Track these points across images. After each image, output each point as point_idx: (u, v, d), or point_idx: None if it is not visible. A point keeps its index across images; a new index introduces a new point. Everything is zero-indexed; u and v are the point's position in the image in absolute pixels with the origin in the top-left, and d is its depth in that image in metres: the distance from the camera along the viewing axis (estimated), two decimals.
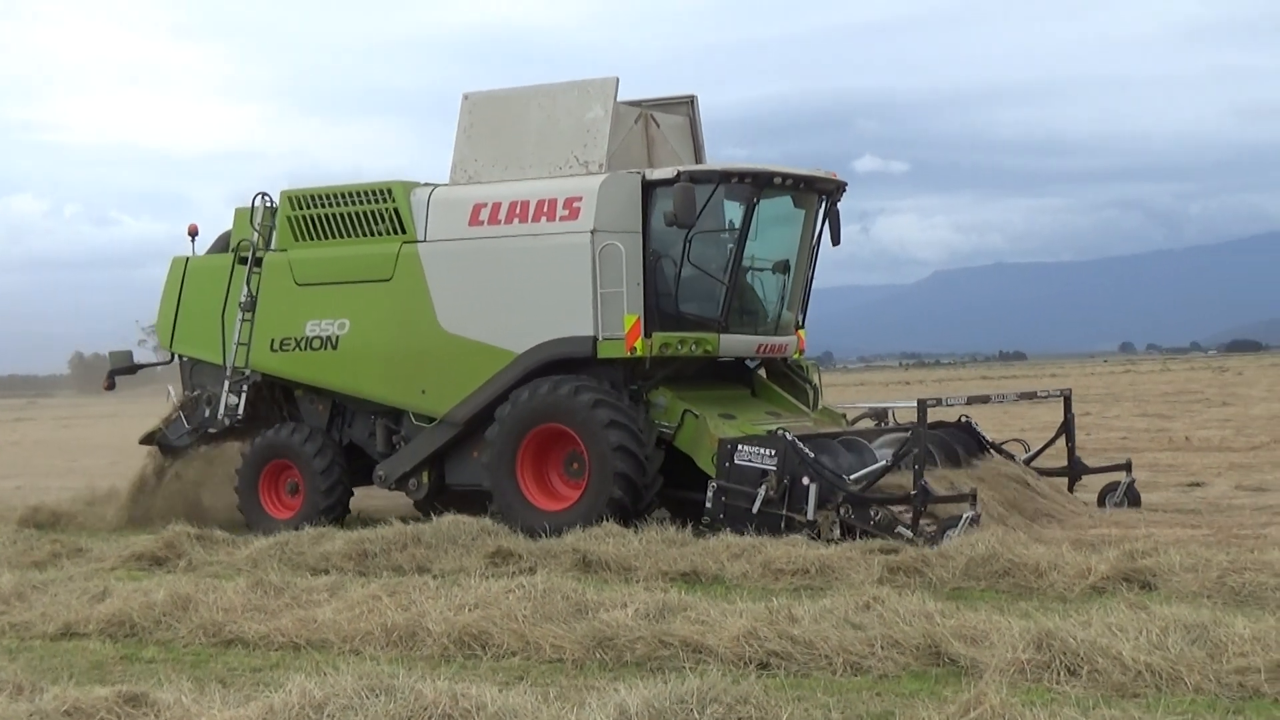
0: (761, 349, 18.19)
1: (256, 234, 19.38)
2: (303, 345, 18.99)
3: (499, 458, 17.25)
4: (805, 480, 15.30)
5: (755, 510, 15.42)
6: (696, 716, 7.61)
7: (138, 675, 10.27)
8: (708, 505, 15.89)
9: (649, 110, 18.45)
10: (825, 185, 18.06)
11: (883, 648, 9.72)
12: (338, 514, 18.64)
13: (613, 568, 14.20)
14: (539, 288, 17.45)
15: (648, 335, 16.91)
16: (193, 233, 20.41)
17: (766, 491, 15.43)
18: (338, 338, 18.78)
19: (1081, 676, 8.86)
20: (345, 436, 19.23)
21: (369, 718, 7.87)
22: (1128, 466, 17.96)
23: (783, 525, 15.22)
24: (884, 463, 15.84)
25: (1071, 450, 18.30)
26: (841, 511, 15.12)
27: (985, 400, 18.71)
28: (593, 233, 16.97)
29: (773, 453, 15.55)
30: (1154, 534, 14.62)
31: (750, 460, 15.69)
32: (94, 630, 12.03)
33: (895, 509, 15.06)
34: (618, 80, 17.63)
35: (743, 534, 14.90)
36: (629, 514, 16.40)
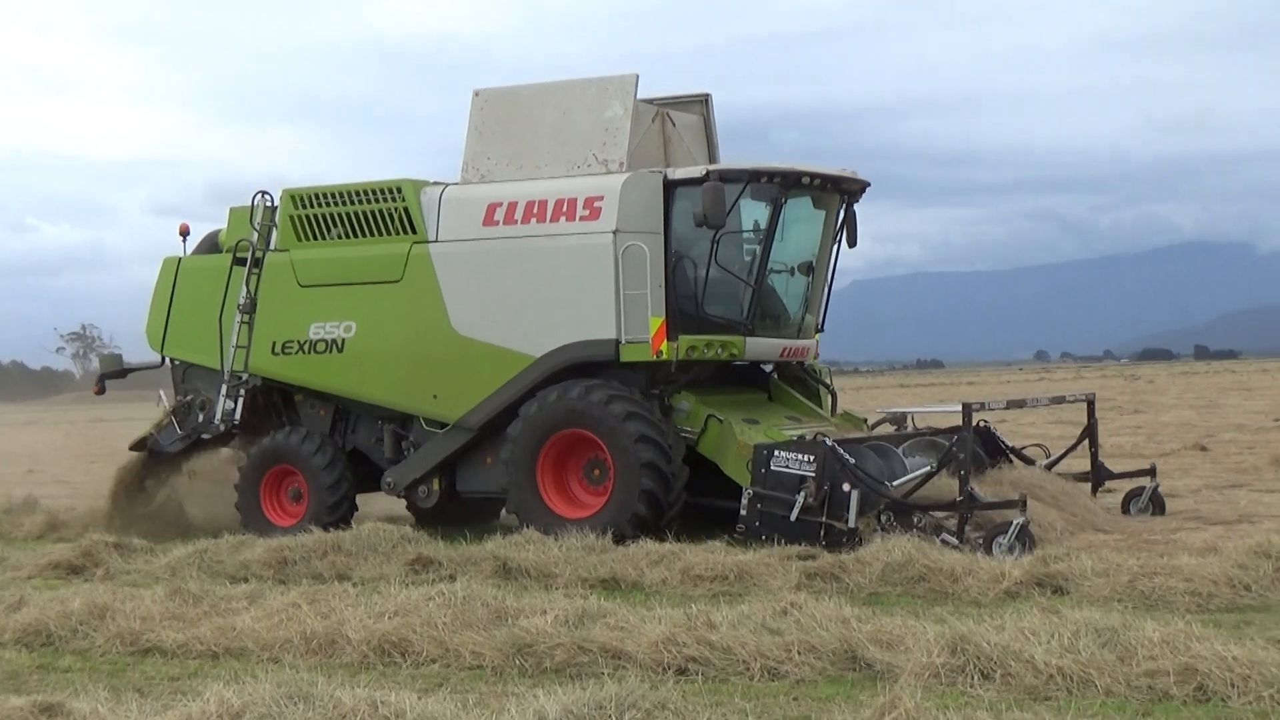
0: (785, 352, 17.68)
1: (256, 233, 18.63)
2: (306, 348, 18.20)
3: (520, 457, 16.63)
4: (846, 487, 14.71)
5: (794, 518, 14.87)
6: None
7: (54, 685, 10.15)
8: (742, 513, 15.30)
9: (665, 108, 17.90)
10: (851, 185, 17.59)
11: (800, 653, 9.74)
12: (342, 522, 17.67)
13: (533, 575, 14.14)
14: (558, 290, 16.83)
15: (673, 338, 16.37)
16: (184, 233, 19.57)
17: (805, 498, 14.85)
18: (344, 340, 18.00)
19: (995, 680, 8.91)
20: (349, 442, 18.49)
21: None
22: (1152, 472, 17.47)
23: (822, 533, 14.65)
24: (928, 468, 15.33)
25: (1095, 455, 17.85)
26: (883, 518, 14.64)
27: (1021, 404, 18.17)
28: (615, 233, 16.42)
29: (811, 458, 14.97)
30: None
31: (787, 466, 15.07)
32: (9, 640, 11.83)
33: (939, 515, 14.65)
34: (637, 77, 17.06)
35: (780, 543, 14.43)
36: (651, 529, 15.84)
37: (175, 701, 8.78)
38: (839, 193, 17.55)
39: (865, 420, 18.08)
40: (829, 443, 15.04)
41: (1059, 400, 19.29)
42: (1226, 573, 12.06)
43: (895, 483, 15.15)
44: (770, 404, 17.86)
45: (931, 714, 7.31)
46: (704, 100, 18.35)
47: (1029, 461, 17.26)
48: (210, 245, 19.55)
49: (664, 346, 16.25)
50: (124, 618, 12.00)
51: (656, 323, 16.25)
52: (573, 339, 16.68)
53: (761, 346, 17.21)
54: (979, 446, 16.58)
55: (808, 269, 17.71)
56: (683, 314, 16.52)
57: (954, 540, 14.23)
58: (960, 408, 15.21)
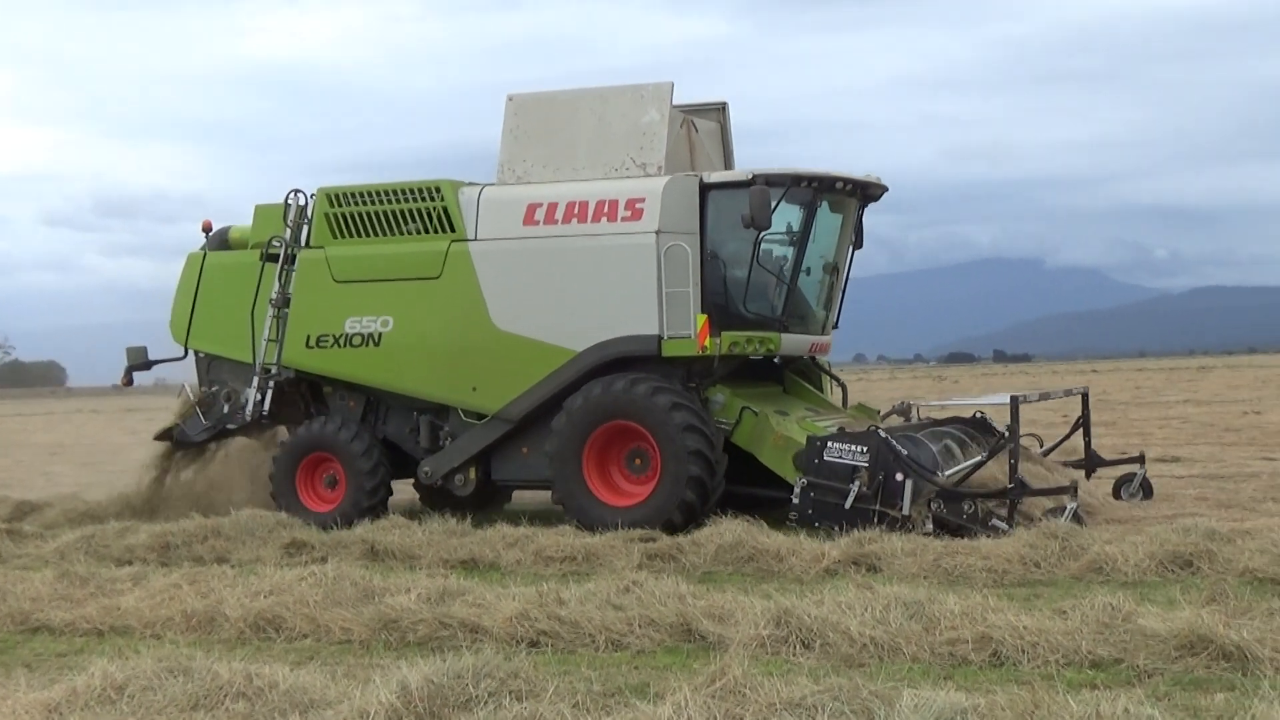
0: (812, 348, 17.24)
1: (289, 230, 17.65)
2: (341, 342, 17.23)
3: (565, 449, 15.93)
4: (899, 476, 14.22)
5: (848, 506, 14.29)
6: (472, 690, 7.55)
7: None
8: (795, 501, 14.69)
9: (689, 115, 17.28)
10: (876, 190, 17.15)
11: (640, 626, 9.77)
12: (379, 510, 16.95)
13: (398, 556, 14.03)
14: (600, 287, 16.08)
15: (715, 334, 15.75)
16: (206, 229, 18.64)
17: (859, 488, 14.30)
18: (380, 334, 17.07)
19: (815, 649, 9.00)
20: (379, 432, 17.58)
21: (168, 697, 7.68)
22: (1141, 459, 17.11)
23: (875, 520, 14.01)
24: (980, 457, 14.84)
25: (1088, 444, 17.39)
26: (933, 506, 14.11)
27: (1049, 397, 17.33)
28: (658, 233, 15.76)
29: (864, 449, 14.46)
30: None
31: (841, 457, 14.52)
32: None
33: (989, 503, 14.16)
34: (673, 85, 16.46)
35: (832, 530, 13.99)
36: (697, 515, 15.26)
37: (62, 676, 8.57)
38: (861, 197, 17.13)
39: (878, 412, 17.52)
40: (883, 434, 14.62)
41: (1069, 393, 18.07)
42: (1019, 552, 12.31)
43: (947, 473, 14.67)
44: (786, 396, 17.36)
45: (757, 680, 7.34)
46: (721, 108, 17.85)
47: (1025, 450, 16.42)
48: (220, 241, 18.64)
49: (708, 342, 15.73)
50: (14, 599, 11.75)
51: (702, 319, 15.70)
52: (615, 334, 16.03)
53: (793, 342, 16.74)
54: (981, 436, 16.26)
55: (832, 269, 17.27)
56: (723, 311, 16.02)
57: (1004, 525, 13.81)
58: (1009, 400, 14.78)
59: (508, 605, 10.25)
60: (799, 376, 17.75)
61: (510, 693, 7.57)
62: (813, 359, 17.68)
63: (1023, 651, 8.70)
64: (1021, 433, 16.15)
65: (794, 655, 8.93)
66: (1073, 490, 14.20)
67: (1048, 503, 14.45)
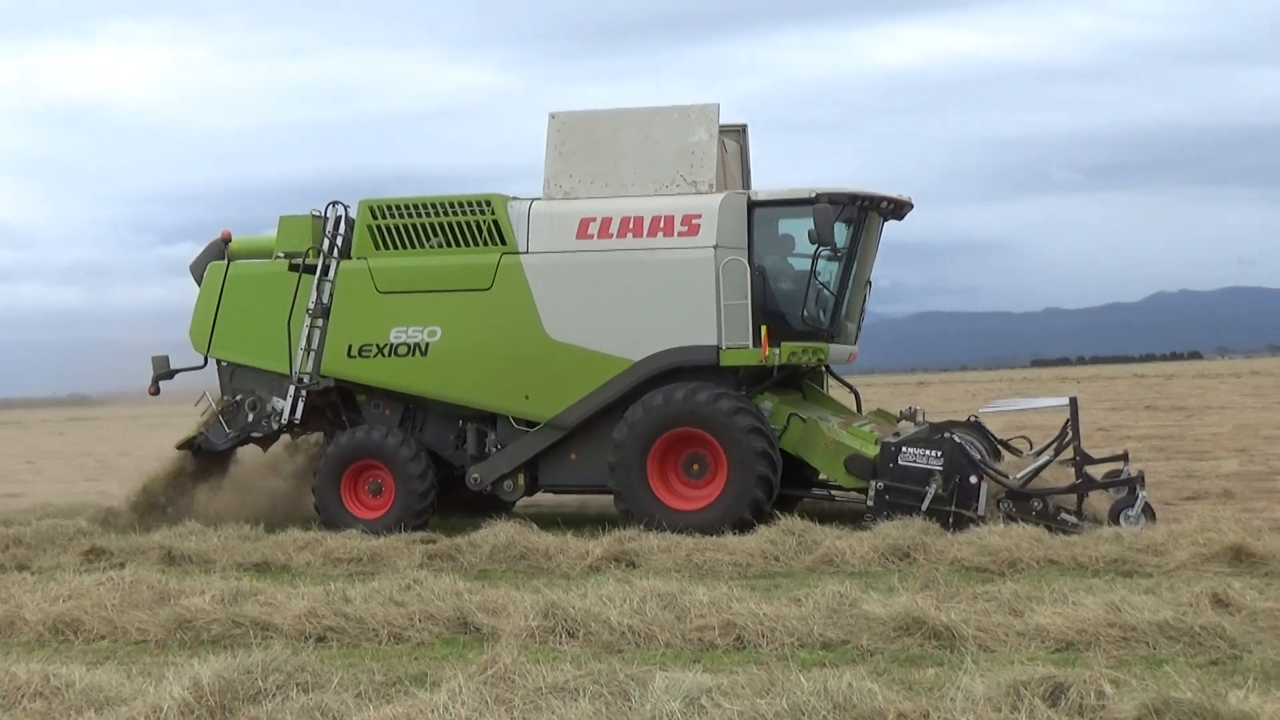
0: (850, 357, 16.70)
1: (327, 240, 16.46)
2: (386, 352, 16.07)
3: (628, 459, 15.06)
4: (974, 479, 13.74)
5: (924, 508, 13.67)
6: (261, 684, 7.38)
7: None
8: (869, 504, 14.07)
9: (721, 136, 16.48)
10: (905, 210, 16.55)
11: (420, 620, 9.67)
12: (427, 517, 15.82)
13: (195, 560, 13.59)
14: (657, 299, 15.31)
15: (774, 345, 15.09)
16: (226, 239, 17.33)
17: (935, 490, 13.77)
18: (428, 344, 15.93)
19: (579, 638, 9.03)
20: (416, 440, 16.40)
21: None
22: (1125, 458, 15.79)
23: (950, 521, 13.48)
24: (1046, 459, 14.37)
25: (1078, 446, 16.00)
26: (1003, 506, 13.66)
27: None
28: (715, 248, 15.14)
29: (938, 454, 13.94)
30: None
31: (915, 461, 13.99)
32: None
33: (1058, 499, 13.68)
34: (719, 106, 15.83)
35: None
36: (764, 513, 14.49)
37: None
38: (895, 216, 16.57)
39: (896, 417, 16.72)
40: (956, 439, 14.24)
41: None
42: (761, 547, 12.55)
43: (1018, 476, 14.16)
44: (808, 403, 16.68)
45: (525, 667, 7.34)
46: (742, 129, 17.20)
47: (1016, 452, 16.10)
48: (218, 251, 17.29)
49: (769, 352, 15.08)
50: None
51: (764, 331, 15.06)
52: (672, 344, 15.30)
53: (837, 353, 16.26)
54: (982, 439, 15.64)
55: (866, 282, 16.75)
56: (780, 322, 15.46)
57: (1073, 519, 13.47)
58: (1068, 401, 14.55)
59: (297, 604, 10.05)
60: (813, 384, 17.25)
61: (297, 685, 7.43)
62: (828, 367, 17.20)
63: (763, 636, 8.88)
64: (1010, 438, 16.23)
65: (560, 644, 8.94)
66: (1140, 481, 13.79)
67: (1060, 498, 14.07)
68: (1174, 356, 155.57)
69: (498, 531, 13.51)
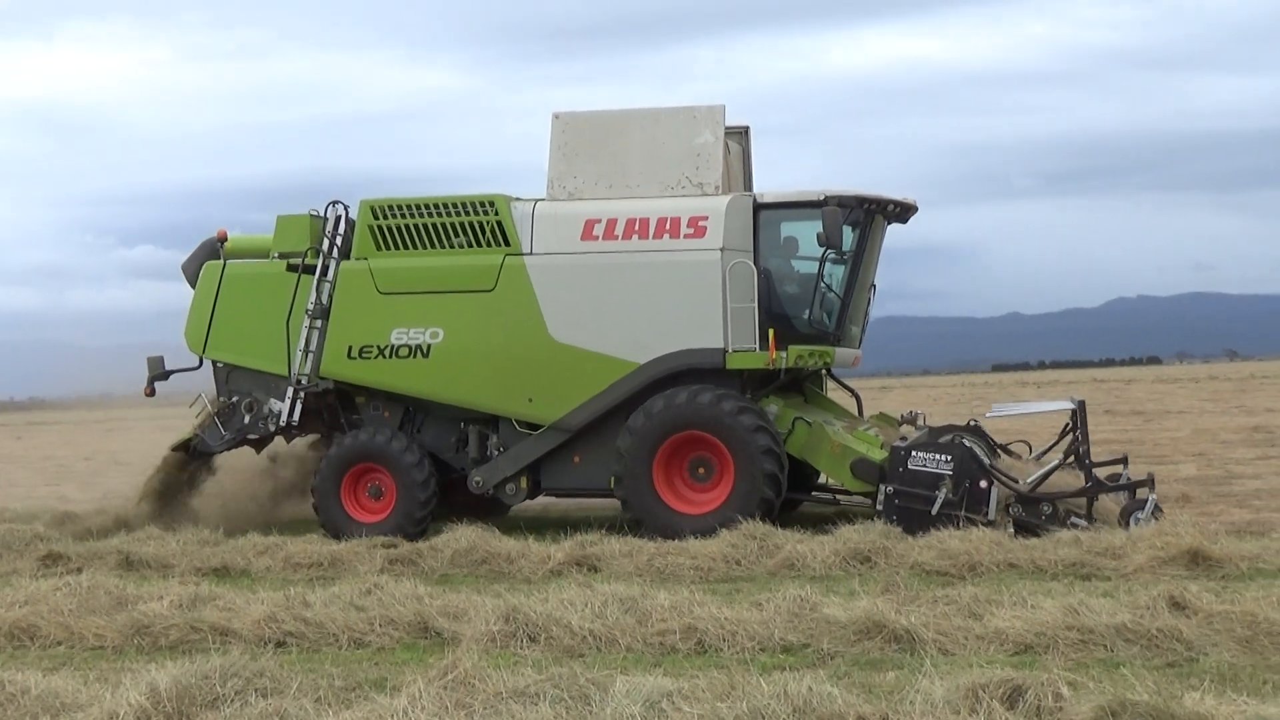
0: (855, 360, 16.55)
1: (327, 241, 16.20)
2: (387, 353, 15.81)
3: (634, 466, 14.88)
4: (984, 484, 13.69)
5: (935, 512, 13.61)
6: (219, 689, 7.32)
7: None
8: (878, 507, 13.98)
9: (725, 137, 16.28)
10: (911, 213, 16.40)
11: (381, 625, 9.63)
12: (427, 524, 15.53)
13: (153, 565, 13.47)
14: (663, 301, 15.14)
15: (782, 348, 14.96)
16: (222, 239, 17.00)
17: (945, 494, 13.70)
18: (429, 346, 15.70)
19: (540, 642, 9.00)
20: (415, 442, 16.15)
21: None
22: (1125, 461, 15.89)
23: (960, 524, 13.26)
24: (1055, 463, 14.24)
25: (1085, 452, 15.97)
26: (1012, 510, 13.62)
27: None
28: (722, 250, 14.99)
29: (949, 458, 13.87)
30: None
31: (925, 465, 13.89)
32: None
33: (1068, 503, 13.62)
34: (724, 108, 15.66)
35: (916, 534, 13.08)
36: (774, 511, 14.51)
37: None
38: (900, 219, 16.40)
39: (898, 421, 16.66)
40: (967, 445, 14.18)
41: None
42: (723, 551, 12.56)
43: (1029, 480, 14.04)
44: (809, 406, 16.49)
45: (486, 671, 7.32)
46: (744, 131, 16.99)
47: (1016, 456, 15.90)
48: (210, 251, 16.98)
49: (776, 355, 14.93)
50: None
51: (771, 334, 14.91)
52: (678, 347, 15.11)
53: (842, 356, 16.11)
54: (982, 443, 15.46)
55: (871, 286, 16.58)
56: (786, 325, 15.32)
57: (1083, 522, 13.37)
58: (1074, 406, 14.58)
59: (256, 609, 9.98)
60: (814, 387, 17.09)
61: (256, 690, 7.37)
62: (830, 370, 17.11)
63: (724, 639, 8.89)
64: (1009, 442, 16.13)
65: (521, 648, 8.91)
66: (1150, 484, 13.71)
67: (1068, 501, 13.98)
68: (1133, 361, 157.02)
69: (459, 536, 13.47)
